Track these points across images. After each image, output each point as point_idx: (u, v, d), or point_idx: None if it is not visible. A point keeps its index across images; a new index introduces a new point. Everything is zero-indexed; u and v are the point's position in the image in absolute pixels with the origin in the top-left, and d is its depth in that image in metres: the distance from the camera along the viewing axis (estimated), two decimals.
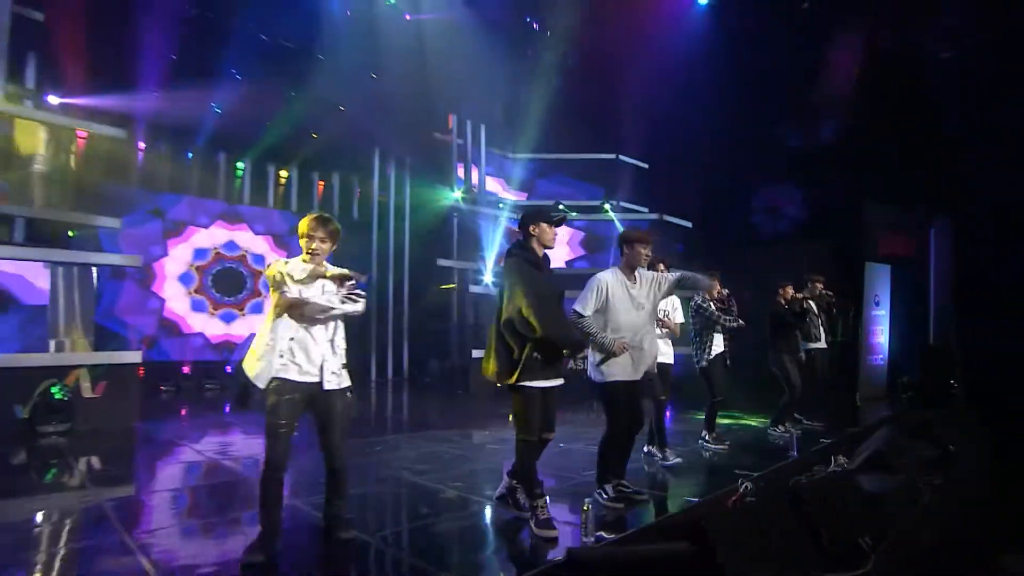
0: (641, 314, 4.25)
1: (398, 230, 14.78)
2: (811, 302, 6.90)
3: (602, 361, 4.17)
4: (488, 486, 4.54)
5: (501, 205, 13.70)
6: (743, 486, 4.44)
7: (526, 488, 3.80)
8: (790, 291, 6.56)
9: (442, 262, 12.71)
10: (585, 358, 4.27)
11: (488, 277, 12.72)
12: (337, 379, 3.27)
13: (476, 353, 11.92)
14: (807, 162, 11.34)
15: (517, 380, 3.59)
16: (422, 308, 14.22)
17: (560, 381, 3.76)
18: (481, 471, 5.27)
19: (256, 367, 3.14)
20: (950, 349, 9.45)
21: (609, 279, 4.23)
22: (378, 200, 14.90)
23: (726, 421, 7.27)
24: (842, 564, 3.19)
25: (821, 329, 7.04)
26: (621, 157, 14.30)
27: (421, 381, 12.05)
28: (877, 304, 9.54)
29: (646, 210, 14.32)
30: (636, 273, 4.32)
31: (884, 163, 9.98)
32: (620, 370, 4.15)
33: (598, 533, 3.40)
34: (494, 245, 13.02)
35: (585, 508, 3.39)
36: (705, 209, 13.15)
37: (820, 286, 7.00)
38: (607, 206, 13.81)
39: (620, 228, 13.48)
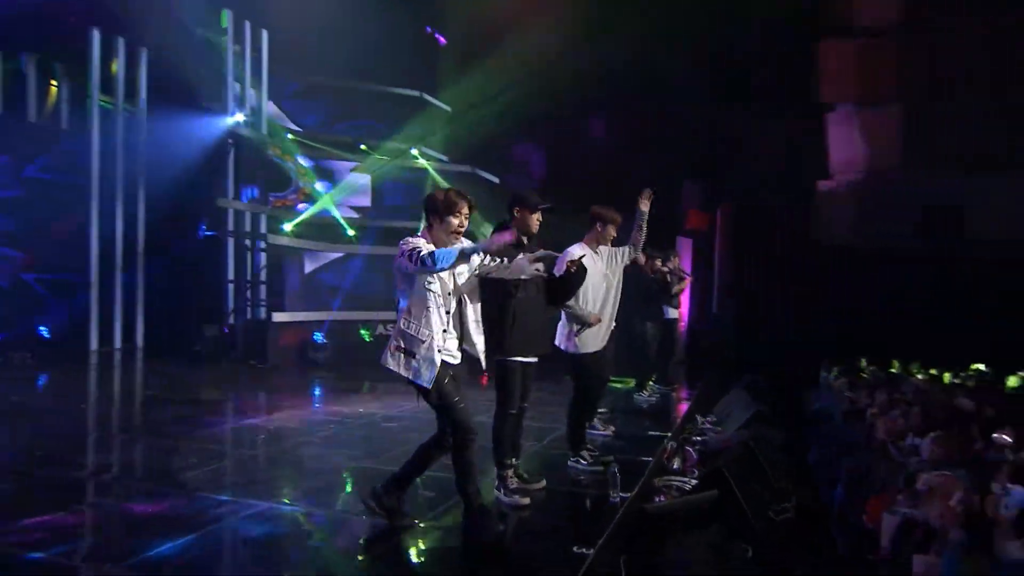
0: (605, 287, 4.97)
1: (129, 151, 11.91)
2: (670, 274, 8.46)
3: (577, 332, 4.78)
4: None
5: (297, 138, 12.73)
6: (669, 445, 5.60)
7: (496, 458, 4.23)
8: (658, 263, 7.98)
9: (221, 202, 11.42)
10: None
11: (290, 226, 11.86)
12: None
13: (279, 316, 11.19)
14: (624, 132, 13.18)
15: (505, 356, 4.03)
16: (176, 260, 12.38)
17: (536, 359, 4.27)
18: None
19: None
20: (727, 318, 12.48)
21: (579, 253, 4.81)
22: (100, 104, 11.54)
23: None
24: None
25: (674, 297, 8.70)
26: (426, 96, 14.39)
27: (188, 351, 10.76)
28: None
29: (446, 159, 14.59)
30: (599, 247, 5.01)
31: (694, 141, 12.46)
32: (591, 341, 4.82)
33: (621, 493, 4.08)
34: (291, 185, 12.19)
35: (608, 467, 4.08)
36: (518, 168, 14.08)
37: (677, 260, 8.62)
38: (415, 151, 13.83)
39: (436, 178, 13.76)
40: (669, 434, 6.00)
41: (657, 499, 4.27)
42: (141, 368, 10.63)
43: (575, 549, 3.25)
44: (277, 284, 11.63)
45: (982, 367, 9.43)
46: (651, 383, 8.11)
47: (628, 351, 7.63)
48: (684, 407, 7.65)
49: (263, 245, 11.90)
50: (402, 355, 3.37)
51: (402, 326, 3.39)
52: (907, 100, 13.49)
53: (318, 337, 11.32)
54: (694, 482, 4.69)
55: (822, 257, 13.39)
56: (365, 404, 7.55)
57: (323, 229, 12.49)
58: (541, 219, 4.20)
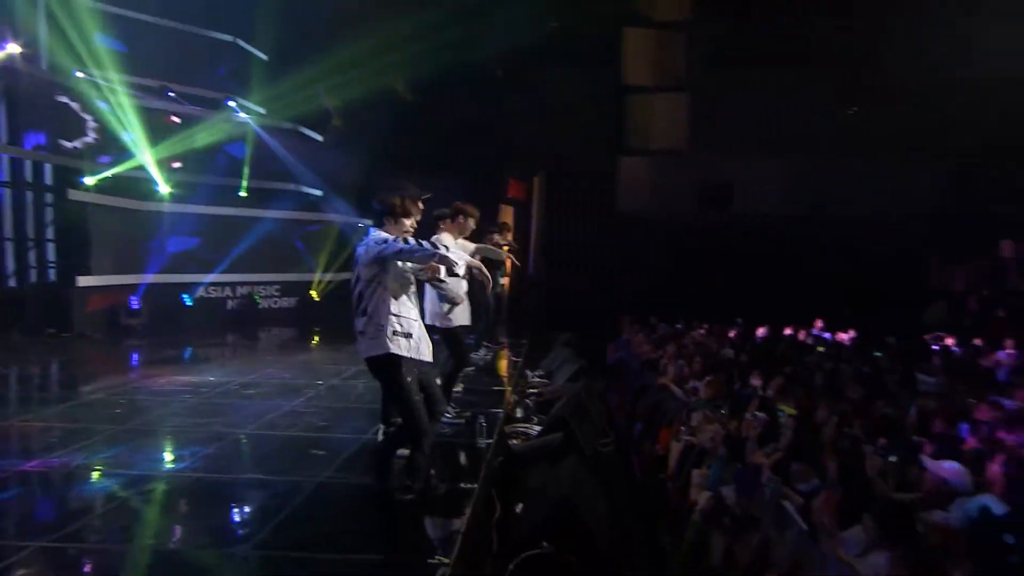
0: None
1: None
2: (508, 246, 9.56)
3: (449, 311, 5.67)
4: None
5: (89, 79, 11.52)
6: (512, 398, 6.79)
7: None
8: (496, 238, 9.01)
9: None
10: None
11: (93, 180, 10.84)
12: None
13: (85, 281, 10.34)
14: (449, 95, 13.89)
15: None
16: None
17: None
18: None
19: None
20: (541, 280, 14.11)
21: (448, 241, 5.68)
22: None
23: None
24: None
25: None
26: (240, 42, 13.81)
27: None
28: None
29: (263, 112, 14.12)
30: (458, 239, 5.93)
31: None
32: (461, 316, 5.76)
33: (486, 440, 5.11)
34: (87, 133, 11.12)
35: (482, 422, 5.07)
36: (343, 124, 13.96)
37: (510, 235, 9.70)
38: (233, 103, 13.29)
39: (258, 131, 13.31)
40: (510, 388, 7.10)
41: (512, 443, 5.40)
42: None
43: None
44: (81, 244, 10.65)
45: (739, 320, 11.98)
46: (484, 343, 9.27)
47: (472, 317, 8.65)
48: (511, 363, 8.86)
49: (50, 199, 10.84)
50: (402, 338, 3.57)
51: (393, 310, 3.58)
52: (694, 87, 15.97)
53: (133, 303, 10.78)
54: (538, 428, 5.92)
55: (623, 224, 15.53)
56: (210, 373, 7.70)
57: (136, 184, 11.64)
58: None
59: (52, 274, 10.96)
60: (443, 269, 3.69)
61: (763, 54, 15.36)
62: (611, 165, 15.67)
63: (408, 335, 3.61)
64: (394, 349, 3.54)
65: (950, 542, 3.26)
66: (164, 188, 11.71)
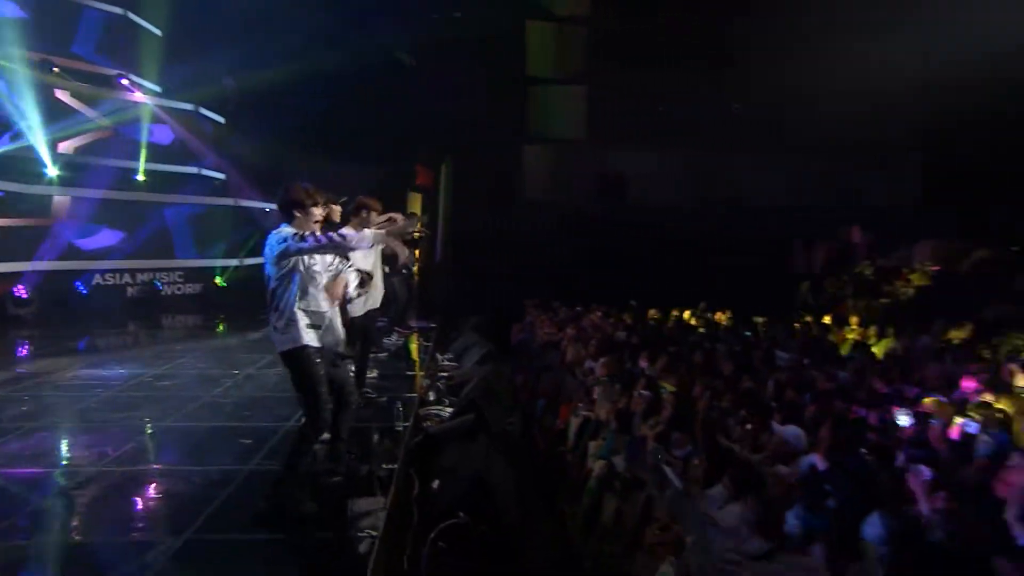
0: (373, 261, 6.23)
1: None
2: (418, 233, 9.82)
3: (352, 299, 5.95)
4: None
5: None
6: (424, 382, 7.17)
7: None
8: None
9: None
10: None
11: None
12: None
13: None
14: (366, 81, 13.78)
15: None
16: None
17: None
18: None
19: None
20: (448, 265, 14.45)
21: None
22: None
23: None
24: None
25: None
26: (131, 15, 13.08)
27: None
28: None
29: (159, 91, 13.50)
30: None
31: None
32: (370, 302, 6.04)
33: (403, 423, 5.47)
34: None
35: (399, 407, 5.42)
36: (248, 107, 13.62)
37: (421, 225, 9.96)
38: (127, 81, 12.59)
39: (157, 113, 12.73)
40: (421, 373, 7.45)
41: (427, 425, 5.78)
42: None
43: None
44: None
45: (633, 303, 12.82)
46: (395, 328, 9.56)
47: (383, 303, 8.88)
48: (421, 347, 9.22)
49: None
50: (313, 331, 3.73)
51: (302, 305, 3.72)
52: (592, 80, 16.68)
53: (20, 291, 10.14)
54: (450, 410, 6.33)
55: (527, 211, 16.09)
56: (120, 365, 7.55)
57: (23, 165, 10.83)
58: None
59: None
60: (351, 286, 4.00)
61: (658, 51, 16.29)
62: (515, 153, 16.14)
63: (318, 327, 3.77)
64: (306, 341, 3.70)
65: (786, 491, 3.99)
66: (52, 170, 11.01)
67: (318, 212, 3.91)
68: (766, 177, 16.73)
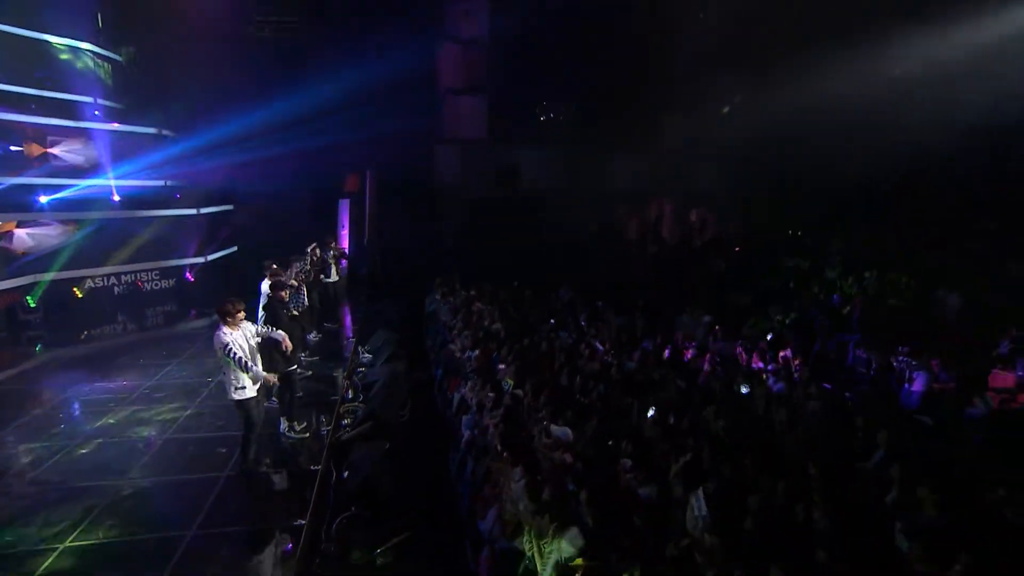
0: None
1: None
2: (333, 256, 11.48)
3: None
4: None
5: None
6: (344, 382, 9.04)
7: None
8: (318, 252, 10.95)
9: None
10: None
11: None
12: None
13: None
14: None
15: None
16: None
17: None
18: None
19: None
20: (374, 254, 16.01)
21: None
22: None
23: None
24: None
25: (334, 268, 11.71)
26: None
27: None
28: (343, 227, 14.91)
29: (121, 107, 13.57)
30: None
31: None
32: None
33: (325, 427, 7.51)
34: None
35: (322, 419, 7.43)
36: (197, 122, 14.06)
37: (336, 246, 11.52)
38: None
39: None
40: (343, 372, 9.35)
41: (343, 424, 7.78)
42: None
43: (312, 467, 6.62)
44: None
45: (515, 283, 14.50)
46: (315, 330, 11.15)
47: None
48: (345, 343, 10.96)
49: None
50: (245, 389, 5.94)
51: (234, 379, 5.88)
52: (490, 91, 17.90)
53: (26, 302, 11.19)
54: (362, 406, 8.22)
55: (440, 202, 17.58)
56: (122, 375, 9.10)
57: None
58: None
59: None
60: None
61: (541, 67, 17.63)
62: (431, 154, 17.41)
63: (243, 387, 5.86)
64: (239, 396, 5.81)
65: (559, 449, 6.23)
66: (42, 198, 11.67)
67: (239, 316, 5.90)
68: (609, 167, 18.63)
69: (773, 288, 13.90)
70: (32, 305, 11.48)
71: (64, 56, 12.73)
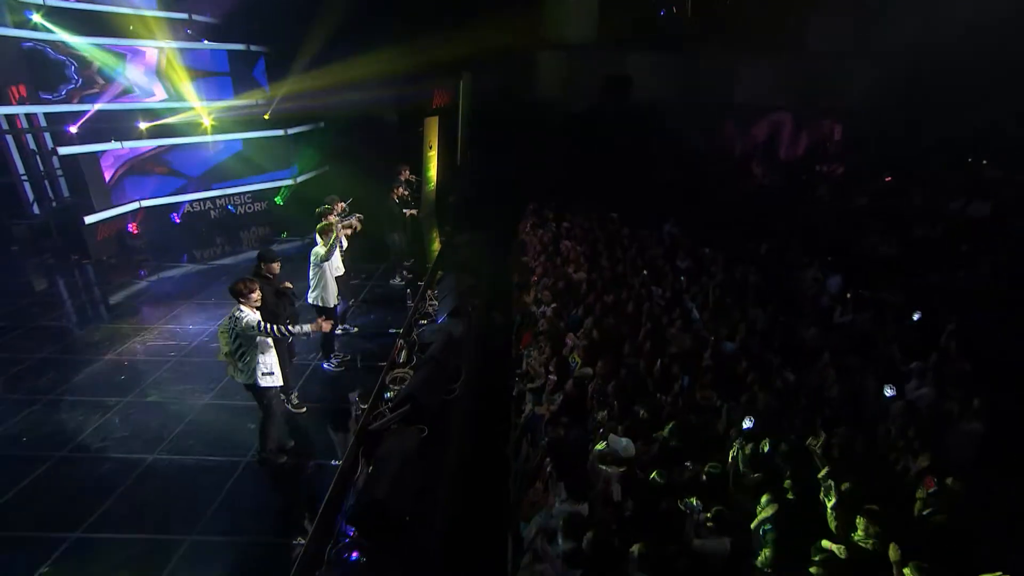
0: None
1: None
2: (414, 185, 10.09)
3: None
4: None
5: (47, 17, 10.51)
6: (399, 343, 7.99)
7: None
8: (400, 188, 9.62)
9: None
10: None
11: (75, 128, 10.65)
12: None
13: (91, 219, 10.86)
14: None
15: None
16: None
17: None
18: None
19: None
20: (467, 174, 14.43)
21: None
22: None
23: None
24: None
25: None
26: None
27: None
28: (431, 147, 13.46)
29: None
30: None
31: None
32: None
33: (361, 405, 6.60)
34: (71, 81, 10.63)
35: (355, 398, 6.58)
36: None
37: (407, 171, 9.88)
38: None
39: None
40: (400, 330, 8.14)
41: (385, 397, 6.81)
42: None
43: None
44: (78, 185, 10.87)
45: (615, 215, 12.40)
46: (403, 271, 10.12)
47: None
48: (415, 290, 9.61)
49: (50, 144, 10.77)
50: (268, 376, 5.36)
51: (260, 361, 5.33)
52: None
53: (131, 228, 11.45)
54: (411, 371, 7.18)
55: (543, 115, 15.29)
56: (190, 319, 8.73)
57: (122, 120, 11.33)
58: None
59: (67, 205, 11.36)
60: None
61: None
62: (532, 63, 15.05)
63: (272, 374, 5.31)
64: (265, 383, 5.28)
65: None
66: (142, 124, 11.57)
67: (255, 297, 5.20)
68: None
69: (932, 239, 10.57)
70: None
71: None
